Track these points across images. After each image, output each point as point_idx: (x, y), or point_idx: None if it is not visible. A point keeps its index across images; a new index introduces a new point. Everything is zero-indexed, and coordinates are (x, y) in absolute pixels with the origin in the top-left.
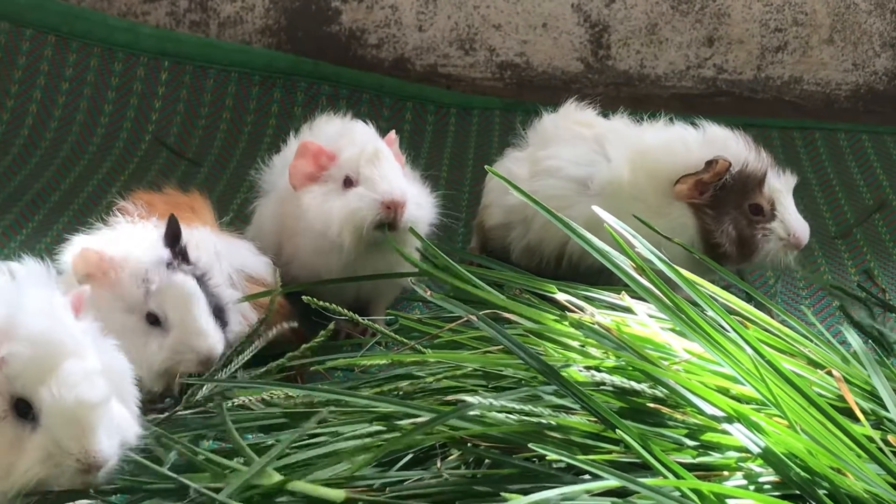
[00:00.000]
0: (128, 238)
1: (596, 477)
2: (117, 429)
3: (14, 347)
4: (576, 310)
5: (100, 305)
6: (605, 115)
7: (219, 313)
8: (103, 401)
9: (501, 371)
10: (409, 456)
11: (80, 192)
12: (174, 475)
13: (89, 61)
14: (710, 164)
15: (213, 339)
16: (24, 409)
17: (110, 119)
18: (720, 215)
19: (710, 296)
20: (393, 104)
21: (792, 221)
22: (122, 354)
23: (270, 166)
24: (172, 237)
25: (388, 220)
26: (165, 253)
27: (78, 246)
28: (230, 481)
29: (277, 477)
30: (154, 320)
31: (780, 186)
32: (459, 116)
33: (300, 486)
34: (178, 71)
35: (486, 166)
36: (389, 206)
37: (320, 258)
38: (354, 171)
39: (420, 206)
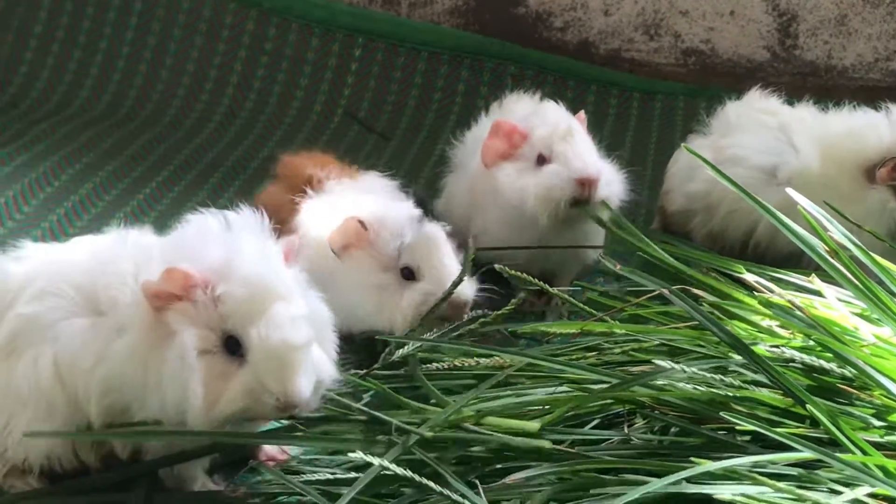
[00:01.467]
0: (373, 203)
1: (787, 449)
2: (315, 371)
3: (229, 287)
4: (764, 290)
5: (357, 266)
6: (790, 104)
7: None
8: (306, 344)
9: (687, 347)
10: (596, 420)
11: (276, 163)
12: (370, 410)
13: (288, 36)
14: None
15: (465, 285)
16: (233, 346)
17: (305, 93)
18: None
19: None
20: (577, 86)
21: None
22: (375, 310)
23: (461, 142)
24: (420, 201)
25: (583, 197)
26: (417, 211)
27: (338, 219)
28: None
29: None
30: (409, 274)
31: None
32: (642, 101)
33: (496, 421)
34: (370, 48)
35: (683, 145)
36: (583, 182)
37: (513, 233)
38: (548, 149)
39: (611, 182)
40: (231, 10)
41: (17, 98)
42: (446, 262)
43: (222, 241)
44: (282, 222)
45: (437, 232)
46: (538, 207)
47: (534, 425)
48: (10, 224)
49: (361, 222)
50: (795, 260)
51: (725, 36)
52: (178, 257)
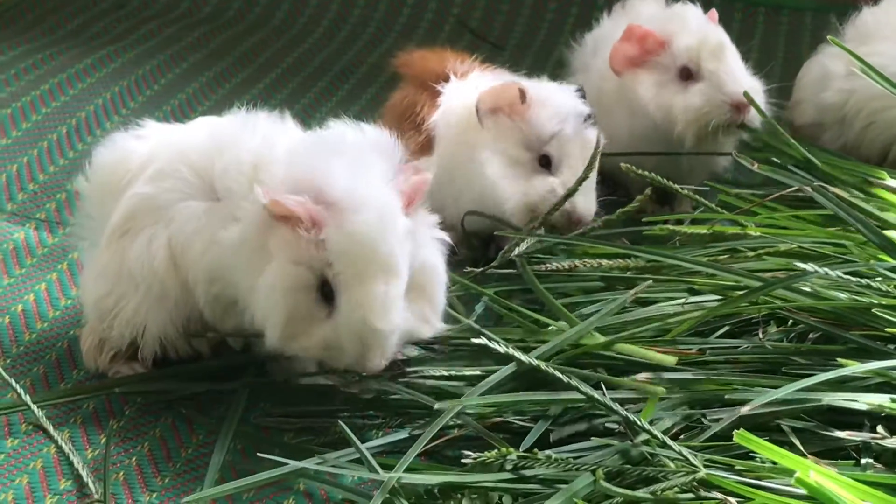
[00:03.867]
0: (545, 84)
1: None
2: (404, 337)
3: (335, 237)
4: None
5: (498, 132)
6: None
7: None
8: (392, 331)
9: (826, 252)
10: (725, 328)
11: (384, 69)
12: (483, 330)
13: None
14: None
15: (592, 204)
16: (328, 293)
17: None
18: None
19: None
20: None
21: None
22: (497, 179)
23: (582, 45)
24: (583, 96)
25: (736, 121)
26: (586, 108)
27: (491, 83)
28: (545, 338)
29: (600, 338)
30: (546, 163)
31: None
32: (768, 16)
33: (627, 348)
34: None
35: (829, 37)
36: (739, 106)
37: (642, 142)
38: (695, 63)
39: (758, 97)
40: None
41: None
42: (589, 175)
43: (347, 172)
44: (419, 124)
45: (596, 139)
46: (687, 129)
47: (670, 359)
48: (115, 118)
49: (522, 91)
50: None
51: None
52: (299, 176)
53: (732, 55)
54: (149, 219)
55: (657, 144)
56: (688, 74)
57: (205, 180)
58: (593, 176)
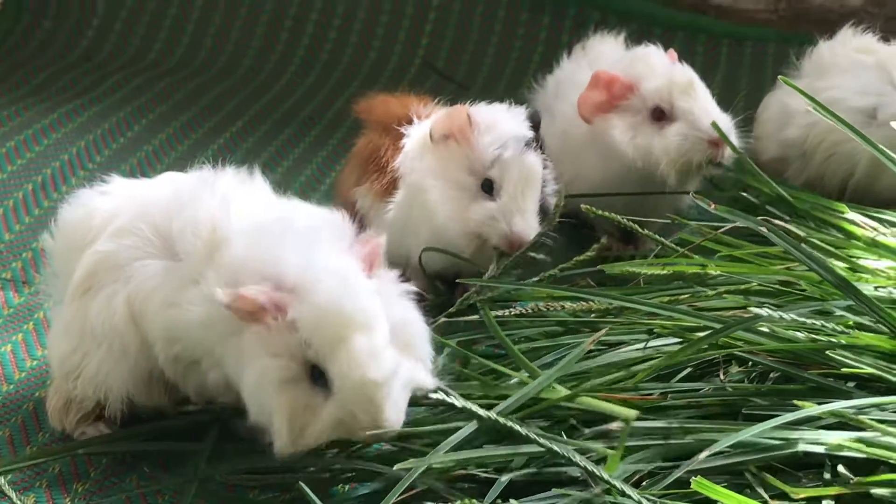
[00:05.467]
0: (494, 109)
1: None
2: (409, 386)
3: (303, 315)
4: (867, 228)
5: (446, 158)
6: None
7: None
8: (389, 377)
9: (784, 289)
10: (687, 370)
11: (350, 114)
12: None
13: None
14: None
15: (530, 225)
16: (318, 375)
17: (382, 42)
18: None
19: None
20: (662, 34)
21: None
22: (440, 202)
23: (543, 86)
24: (535, 125)
25: (715, 159)
26: (529, 132)
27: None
28: (506, 391)
29: (562, 391)
30: (488, 188)
31: None
32: (731, 48)
33: (588, 401)
34: None
35: (780, 77)
36: (717, 142)
37: (616, 184)
38: (667, 103)
39: (730, 134)
40: None
41: (90, 51)
42: (528, 197)
43: (300, 254)
44: (384, 167)
45: (536, 165)
46: (669, 169)
47: (631, 413)
48: (81, 173)
49: (469, 116)
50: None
51: None
52: (254, 265)
53: (703, 92)
54: (109, 276)
55: (631, 185)
56: (660, 115)
57: (165, 239)
58: (534, 199)
